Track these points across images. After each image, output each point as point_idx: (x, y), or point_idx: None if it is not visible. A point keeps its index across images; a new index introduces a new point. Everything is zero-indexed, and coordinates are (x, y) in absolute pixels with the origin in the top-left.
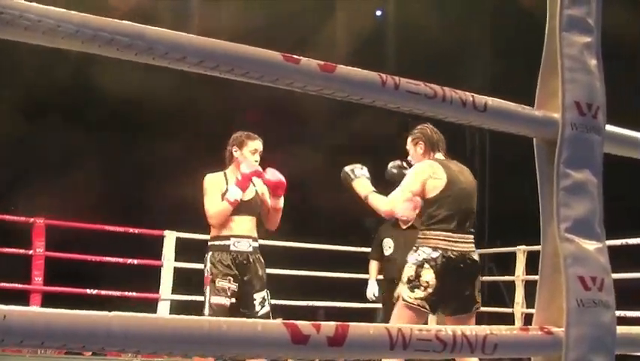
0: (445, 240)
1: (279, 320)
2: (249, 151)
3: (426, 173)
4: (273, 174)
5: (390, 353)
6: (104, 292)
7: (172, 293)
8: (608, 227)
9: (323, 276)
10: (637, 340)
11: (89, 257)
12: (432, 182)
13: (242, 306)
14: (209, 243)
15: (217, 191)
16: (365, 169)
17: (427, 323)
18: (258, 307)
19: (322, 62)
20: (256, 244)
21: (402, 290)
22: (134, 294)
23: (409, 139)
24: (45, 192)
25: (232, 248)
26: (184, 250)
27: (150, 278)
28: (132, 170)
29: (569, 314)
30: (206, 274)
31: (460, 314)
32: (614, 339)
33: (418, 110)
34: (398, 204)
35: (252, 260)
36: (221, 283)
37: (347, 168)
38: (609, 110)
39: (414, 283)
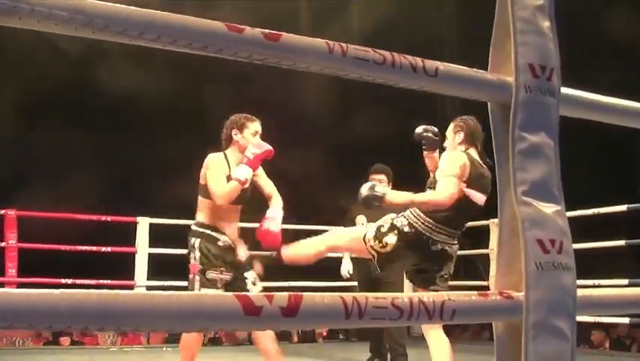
0: (427, 225)
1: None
2: (250, 133)
3: (461, 159)
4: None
5: (345, 322)
6: (78, 282)
7: (147, 280)
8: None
9: None
10: (598, 302)
11: (62, 247)
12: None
13: (238, 289)
14: (196, 228)
15: (221, 172)
16: (379, 185)
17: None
18: (250, 286)
19: (267, 31)
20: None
21: (369, 230)
22: (109, 282)
23: (451, 125)
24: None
25: (220, 244)
26: (158, 236)
27: (125, 265)
28: (104, 159)
29: (528, 278)
30: (192, 262)
31: (419, 287)
32: (575, 302)
33: (367, 76)
34: (451, 190)
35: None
36: (212, 274)
37: (365, 192)
38: None
39: (377, 235)
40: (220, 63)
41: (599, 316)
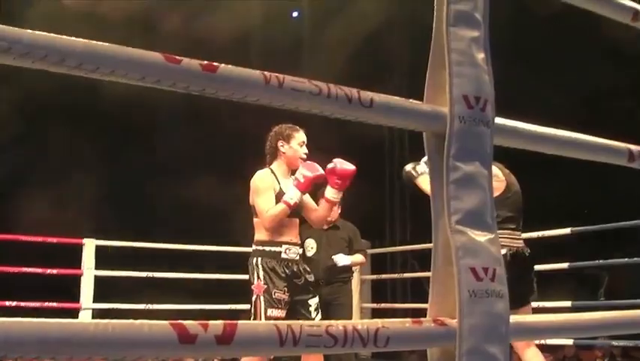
0: (508, 238)
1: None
2: (297, 144)
3: None
4: (342, 165)
5: (280, 350)
6: (23, 304)
7: (93, 302)
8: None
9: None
10: (530, 328)
11: (6, 268)
12: (494, 184)
13: (299, 313)
14: (256, 247)
15: (271, 190)
16: (424, 164)
17: None
18: (314, 314)
19: (204, 62)
20: (301, 251)
21: None
22: (55, 304)
23: None
24: None
25: (283, 256)
26: (104, 258)
27: (71, 288)
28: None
29: (462, 305)
30: (256, 282)
31: (521, 306)
32: (508, 328)
33: (303, 107)
34: None
35: (300, 268)
36: (277, 294)
37: (408, 167)
38: None
39: None
40: None
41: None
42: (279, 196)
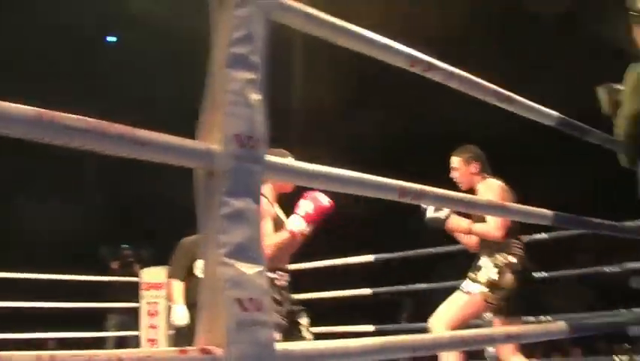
0: (518, 247)
1: None
2: None
3: (501, 190)
4: (318, 201)
5: None
6: None
7: None
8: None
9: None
10: (298, 356)
11: None
12: (506, 195)
13: (295, 336)
14: None
15: (268, 216)
16: (432, 209)
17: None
18: (305, 333)
19: None
20: (289, 279)
21: (478, 289)
22: None
23: (459, 159)
24: None
25: (277, 283)
26: None
27: None
28: None
29: (229, 335)
30: None
31: (521, 315)
32: (275, 356)
33: (73, 144)
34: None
35: (289, 294)
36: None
37: (431, 214)
38: None
39: (494, 284)
40: None
41: None
42: (277, 222)
